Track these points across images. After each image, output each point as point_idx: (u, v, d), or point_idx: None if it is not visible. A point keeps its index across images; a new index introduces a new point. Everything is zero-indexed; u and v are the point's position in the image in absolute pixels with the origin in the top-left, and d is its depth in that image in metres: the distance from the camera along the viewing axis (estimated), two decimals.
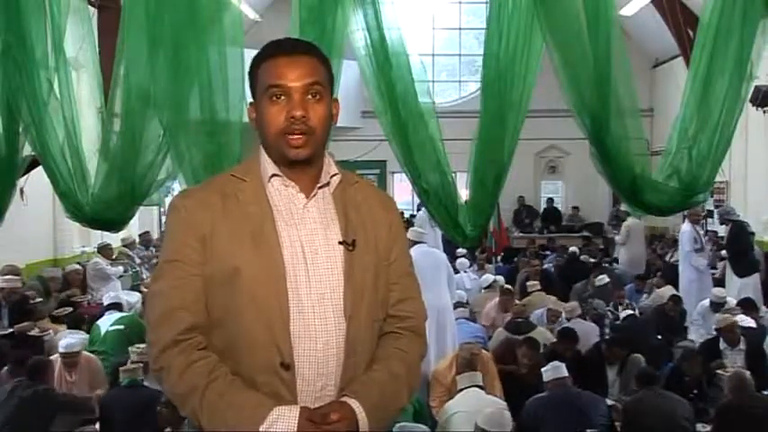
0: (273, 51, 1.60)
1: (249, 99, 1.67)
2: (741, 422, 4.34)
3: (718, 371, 5.40)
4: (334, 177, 1.65)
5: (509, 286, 8.04)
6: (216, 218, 1.57)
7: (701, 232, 8.88)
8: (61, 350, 5.40)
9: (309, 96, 1.57)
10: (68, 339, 5.56)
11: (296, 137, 1.55)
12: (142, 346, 5.00)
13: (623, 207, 10.56)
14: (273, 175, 1.61)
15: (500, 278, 9.11)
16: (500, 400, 4.90)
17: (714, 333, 6.16)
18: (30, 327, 6.28)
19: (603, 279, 8.38)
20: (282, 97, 1.56)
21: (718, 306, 6.59)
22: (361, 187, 1.71)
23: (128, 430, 4.35)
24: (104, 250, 8.99)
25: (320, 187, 1.64)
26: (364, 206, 1.67)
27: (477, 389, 4.75)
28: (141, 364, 4.80)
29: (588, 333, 6.45)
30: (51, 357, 5.50)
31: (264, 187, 1.61)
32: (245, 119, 1.71)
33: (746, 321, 6.34)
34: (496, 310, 7.46)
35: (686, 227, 8.59)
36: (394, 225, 1.72)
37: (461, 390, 4.76)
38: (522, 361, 5.58)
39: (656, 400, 4.67)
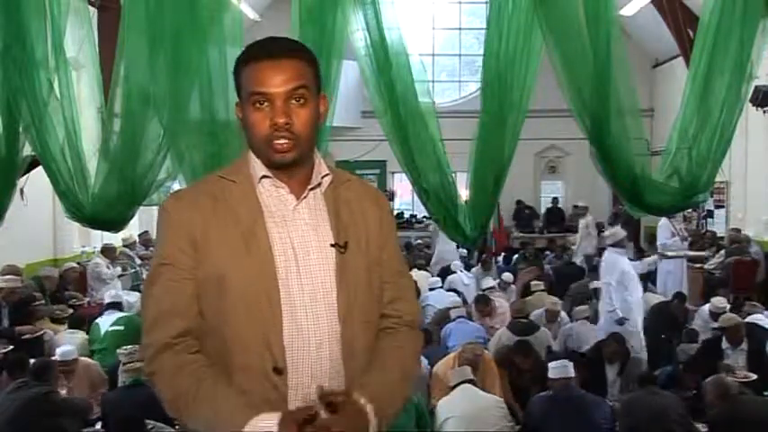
0: (255, 54, 1.55)
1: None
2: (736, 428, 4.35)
3: (724, 374, 5.38)
4: (326, 178, 1.64)
5: (485, 294, 7.89)
6: (206, 220, 1.56)
7: (678, 227, 9.52)
8: (57, 358, 5.34)
9: (293, 101, 1.53)
10: (65, 346, 5.51)
11: (280, 142, 1.53)
12: (129, 347, 5.10)
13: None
14: (263, 177, 1.60)
15: (508, 275, 9.10)
16: (494, 397, 4.88)
17: None
18: (29, 329, 6.28)
19: (597, 284, 8.39)
20: (265, 103, 1.53)
21: (716, 315, 6.59)
22: (352, 185, 1.69)
23: (131, 430, 4.35)
24: (107, 251, 8.98)
25: (311, 188, 1.62)
26: (356, 204, 1.66)
27: (469, 385, 4.74)
28: (139, 363, 4.81)
29: (592, 335, 6.43)
30: (54, 357, 5.51)
31: (254, 188, 1.60)
32: None
33: (762, 320, 6.35)
34: (479, 317, 7.43)
35: (663, 221, 9.19)
36: (385, 222, 1.71)
37: (454, 387, 4.75)
38: (523, 368, 5.58)
39: (649, 399, 4.68)
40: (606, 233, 7.27)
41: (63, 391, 5.18)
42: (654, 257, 8.20)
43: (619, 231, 7.22)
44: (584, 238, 12.13)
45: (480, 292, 8.17)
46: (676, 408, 4.64)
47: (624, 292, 6.70)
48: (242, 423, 1.42)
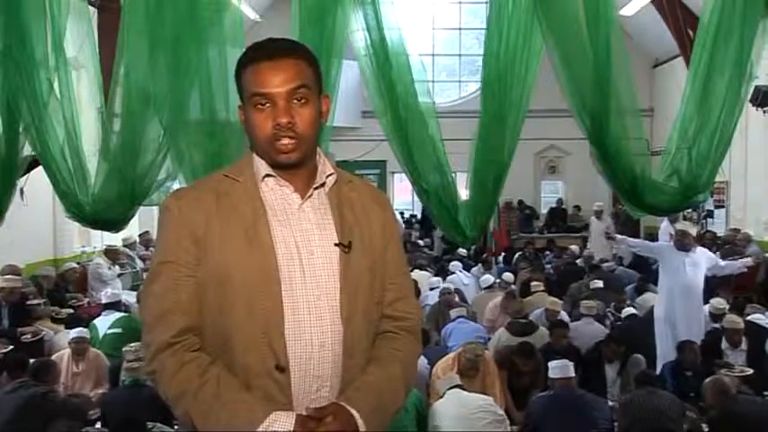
0: (255, 55, 1.56)
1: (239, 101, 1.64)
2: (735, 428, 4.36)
3: (722, 370, 5.39)
4: (330, 177, 1.64)
5: (513, 287, 8.02)
6: (209, 218, 1.56)
7: None
8: (73, 335, 5.60)
9: (295, 101, 1.54)
10: (79, 328, 5.79)
11: (284, 142, 1.54)
12: (135, 344, 5.09)
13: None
14: (267, 175, 1.60)
15: (509, 275, 9.09)
16: (484, 397, 4.87)
17: None
18: (30, 331, 6.29)
19: (597, 283, 8.39)
20: (267, 104, 1.54)
21: (716, 317, 6.60)
22: (355, 186, 1.70)
23: (129, 430, 4.35)
24: (110, 253, 8.96)
25: (315, 188, 1.62)
26: (359, 205, 1.66)
27: (457, 389, 4.74)
28: (139, 363, 4.81)
29: (596, 335, 6.43)
30: (54, 356, 5.54)
31: (258, 187, 1.60)
32: None
33: (761, 320, 6.36)
34: (498, 310, 7.44)
35: (665, 224, 9.18)
36: (388, 223, 1.72)
37: (443, 394, 4.75)
38: (523, 370, 5.58)
39: (646, 399, 4.69)
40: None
41: (75, 370, 5.25)
42: (748, 260, 8.03)
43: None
44: (600, 240, 11.62)
45: (483, 291, 8.21)
46: (674, 408, 4.65)
47: (662, 279, 6.74)
48: (255, 420, 1.44)
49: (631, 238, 7.98)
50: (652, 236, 13.67)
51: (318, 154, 1.65)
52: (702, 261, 6.59)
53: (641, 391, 4.78)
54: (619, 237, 8.21)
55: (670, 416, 4.58)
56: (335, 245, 1.59)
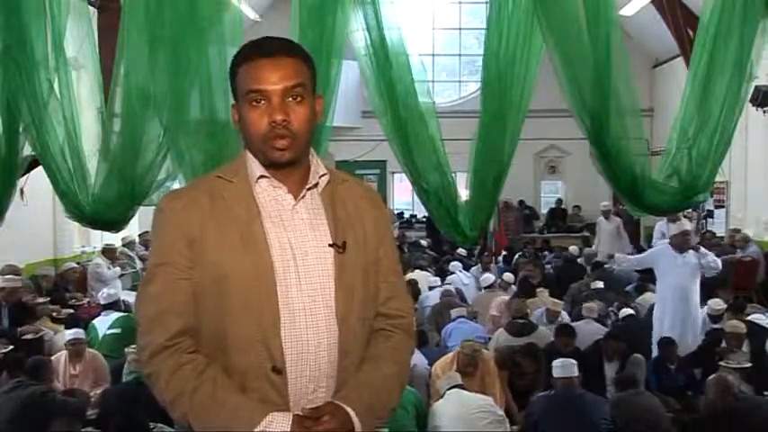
0: (252, 53, 1.56)
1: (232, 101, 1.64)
2: (731, 426, 4.37)
3: (721, 362, 5.40)
4: (323, 178, 1.65)
5: (514, 287, 8.02)
6: (204, 220, 1.56)
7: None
8: (69, 337, 5.59)
9: (290, 99, 1.55)
10: (75, 329, 5.79)
11: (279, 139, 1.54)
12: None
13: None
14: (261, 177, 1.60)
15: (509, 275, 9.09)
16: (484, 397, 4.87)
17: None
18: (30, 330, 6.29)
19: (598, 284, 8.40)
20: (263, 101, 1.54)
21: (716, 318, 6.59)
22: (349, 186, 1.70)
23: (131, 427, 4.35)
24: (108, 252, 8.97)
25: (309, 188, 1.63)
26: (352, 204, 1.67)
27: (458, 389, 4.74)
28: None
29: (597, 335, 6.43)
30: (53, 357, 5.54)
31: (252, 188, 1.60)
32: None
33: (761, 320, 6.36)
34: (504, 307, 7.44)
35: (660, 224, 9.52)
36: (381, 223, 1.72)
37: (443, 394, 4.74)
38: (526, 371, 5.58)
39: (634, 399, 4.77)
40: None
41: (60, 386, 5.21)
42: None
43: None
44: (610, 241, 11.43)
45: (484, 291, 8.18)
46: (660, 405, 4.75)
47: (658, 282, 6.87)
48: (253, 422, 1.44)
49: (629, 256, 8.16)
50: (652, 236, 13.69)
51: (311, 155, 1.65)
52: (696, 261, 6.62)
53: (630, 391, 4.84)
54: (618, 256, 8.39)
55: (659, 413, 4.67)
56: (330, 245, 1.59)
